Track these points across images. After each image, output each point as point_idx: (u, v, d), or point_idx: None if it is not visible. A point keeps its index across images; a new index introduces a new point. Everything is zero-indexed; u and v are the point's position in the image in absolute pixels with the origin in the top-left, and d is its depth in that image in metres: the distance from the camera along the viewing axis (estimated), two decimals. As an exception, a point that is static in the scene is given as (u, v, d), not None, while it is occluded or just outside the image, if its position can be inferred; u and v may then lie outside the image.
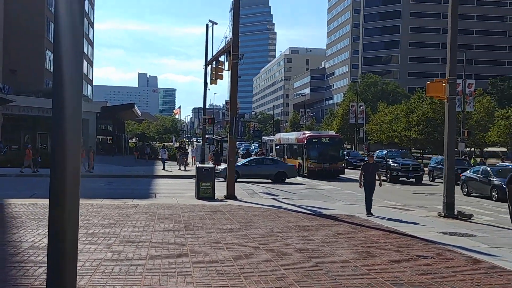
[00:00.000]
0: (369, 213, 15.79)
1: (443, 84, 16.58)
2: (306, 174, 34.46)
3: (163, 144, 60.13)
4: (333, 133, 43.62)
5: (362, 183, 16.49)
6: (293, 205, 18.03)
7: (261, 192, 23.94)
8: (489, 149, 65.71)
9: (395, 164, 32.75)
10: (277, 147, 43.97)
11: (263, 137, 64.74)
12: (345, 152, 41.75)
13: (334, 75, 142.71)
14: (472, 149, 64.72)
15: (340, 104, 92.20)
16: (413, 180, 32.50)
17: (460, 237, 12.59)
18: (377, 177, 16.56)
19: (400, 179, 32.71)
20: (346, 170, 41.55)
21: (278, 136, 47.03)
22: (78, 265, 5.03)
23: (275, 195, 22.49)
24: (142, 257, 8.85)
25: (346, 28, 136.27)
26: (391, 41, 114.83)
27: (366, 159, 17.23)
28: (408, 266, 8.92)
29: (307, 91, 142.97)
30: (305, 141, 35.42)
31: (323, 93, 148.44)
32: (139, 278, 7.46)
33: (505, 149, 62.85)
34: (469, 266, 9.20)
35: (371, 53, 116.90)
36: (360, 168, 17.01)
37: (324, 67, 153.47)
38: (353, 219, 14.78)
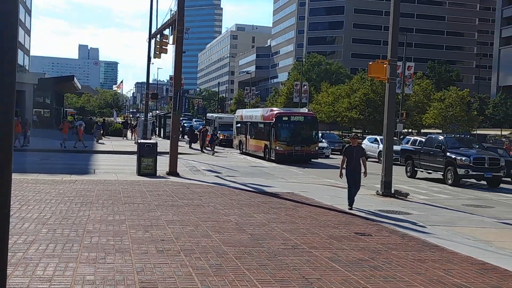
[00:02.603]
0: (351, 206, 13.36)
1: (384, 66, 16.92)
2: (273, 158, 29.84)
3: (81, 117, 59.83)
4: (306, 110, 36.09)
5: (342, 171, 13.67)
6: (236, 182, 18.06)
7: (203, 169, 23.82)
8: (426, 130, 68.24)
9: (463, 158, 21.87)
10: (238, 125, 37.60)
11: (208, 114, 60.75)
12: (319, 134, 36.10)
13: (279, 53, 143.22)
14: (410, 130, 67.00)
15: (285, 83, 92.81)
16: (485, 182, 22.63)
17: (396, 215, 13.02)
18: (362, 165, 13.64)
19: (468, 179, 22.98)
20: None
21: (240, 112, 40.04)
22: (10, 242, 4.79)
23: (218, 173, 22.44)
24: (79, 234, 8.60)
25: (292, 7, 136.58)
26: (335, 22, 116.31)
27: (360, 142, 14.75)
28: (347, 243, 9.13)
29: (252, 69, 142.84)
30: (273, 119, 30.08)
31: (268, 71, 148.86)
32: (75, 255, 7.24)
33: (440, 131, 65.50)
34: (404, 243, 9.52)
35: (316, 33, 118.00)
36: (342, 153, 14.15)
37: (270, 45, 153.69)
38: (295, 196, 14.97)
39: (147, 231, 9.12)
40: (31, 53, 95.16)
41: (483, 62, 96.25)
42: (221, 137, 43.19)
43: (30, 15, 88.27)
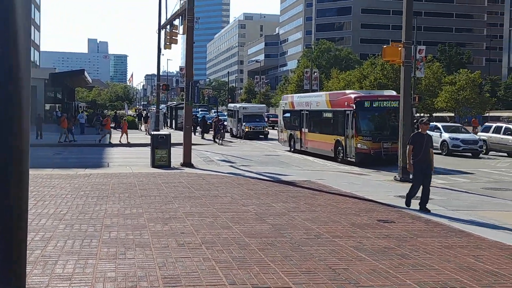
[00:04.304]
0: (409, 203, 11.39)
1: (399, 49, 16.54)
2: (352, 159, 22.20)
3: (82, 110, 60.42)
4: (394, 93, 24.97)
5: (413, 163, 11.39)
6: (251, 171, 17.86)
7: (217, 160, 23.66)
8: (438, 114, 67.52)
9: None
10: (287, 114, 30.07)
11: (229, 104, 55.81)
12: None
13: (288, 41, 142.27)
14: (422, 114, 66.30)
15: (295, 70, 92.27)
16: None
17: (417, 200, 12.70)
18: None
19: None
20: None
21: (288, 98, 31.39)
22: (28, 239, 4.63)
23: (232, 162, 22.26)
24: (97, 229, 8.44)
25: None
26: (343, 8, 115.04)
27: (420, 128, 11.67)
28: (370, 230, 8.89)
29: (261, 57, 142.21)
30: (352, 105, 22.29)
31: (277, 59, 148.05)
32: (94, 251, 7.07)
33: (452, 114, 64.74)
34: (429, 229, 9.26)
35: (324, 20, 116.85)
36: (408, 142, 11.82)
37: (278, 33, 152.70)
38: (312, 184, 14.73)
39: (166, 224, 8.95)
40: (41, 49, 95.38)
41: (493, 44, 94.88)
42: (246, 129, 39.88)
43: (39, 11, 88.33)
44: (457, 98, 57.03)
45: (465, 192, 14.89)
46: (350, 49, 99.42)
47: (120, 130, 33.62)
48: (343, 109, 22.96)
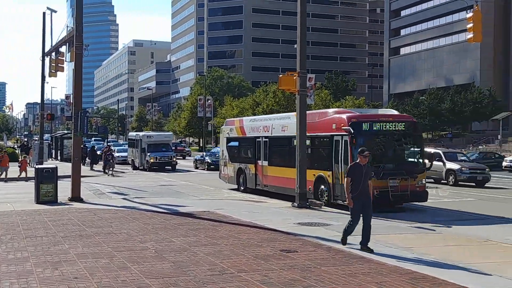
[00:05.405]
0: (345, 241, 10.35)
1: (294, 78, 16.92)
2: (344, 203, 13.99)
3: None
4: (394, 112, 19.20)
5: (352, 198, 10.11)
6: (147, 204, 17.14)
7: (109, 192, 22.52)
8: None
9: None
10: (234, 143, 23.82)
11: (130, 133, 49.77)
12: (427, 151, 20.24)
13: (180, 68, 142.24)
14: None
15: (188, 97, 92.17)
16: None
17: (316, 227, 12.88)
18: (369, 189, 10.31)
19: None
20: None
21: (236, 122, 24.95)
22: None
23: (125, 194, 21.30)
24: (-27, 280, 7.45)
25: (190, 21, 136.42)
26: (234, 36, 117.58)
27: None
28: (275, 262, 8.73)
29: (152, 84, 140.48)
30: (348, 128, 15.95)
31: (169, 86, 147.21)
32: (-30, 307, 6.19)
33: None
34: (331, 257, 9.31)
35: (216, 47, 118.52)
36: (346, 173, 10.65)
37: (170, 60, 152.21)
38: (211, 215, 14.40)
39: (56, 268, 8.13)
40: None
41: (374, 72, 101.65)
42: (151, 160, 36.54)
43: None
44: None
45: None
46: (242, 76, 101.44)
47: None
48: (330, 134, 17.06)
